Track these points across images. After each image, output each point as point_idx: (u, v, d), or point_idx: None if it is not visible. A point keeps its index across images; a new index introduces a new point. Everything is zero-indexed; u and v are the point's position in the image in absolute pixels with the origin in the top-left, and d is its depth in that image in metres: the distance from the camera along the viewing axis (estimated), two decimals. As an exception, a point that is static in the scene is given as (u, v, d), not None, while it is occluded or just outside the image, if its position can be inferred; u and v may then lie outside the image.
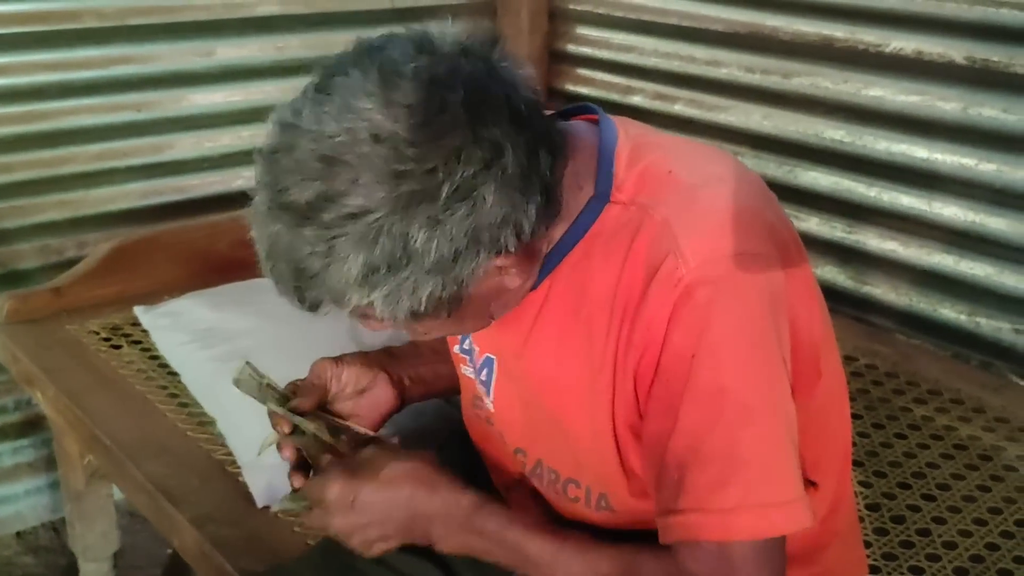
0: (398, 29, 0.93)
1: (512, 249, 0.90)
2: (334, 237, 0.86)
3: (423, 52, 0.88)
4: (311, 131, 0.86)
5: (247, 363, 1.17)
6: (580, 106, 1.07)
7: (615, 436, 1.00)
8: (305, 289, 0.90)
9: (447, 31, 0.91)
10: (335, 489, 1.04)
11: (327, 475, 1.06)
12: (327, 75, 0.89)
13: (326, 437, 1.13)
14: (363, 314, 0.93)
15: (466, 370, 1.18)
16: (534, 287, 1.00)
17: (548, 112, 1.02)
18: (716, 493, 0.91)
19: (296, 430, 1.14)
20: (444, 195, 0.85)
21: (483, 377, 1.13)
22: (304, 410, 1.14)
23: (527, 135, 0.89)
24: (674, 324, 0.91)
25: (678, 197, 0.95)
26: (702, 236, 0.92)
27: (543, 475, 1.13)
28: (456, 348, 1.18)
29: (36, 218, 2.20)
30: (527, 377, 1.07)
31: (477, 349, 1.13)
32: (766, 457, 0.92)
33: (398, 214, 0.85)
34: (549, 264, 0.99)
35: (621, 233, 0.95)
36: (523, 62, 0.95)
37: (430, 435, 1.44)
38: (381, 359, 1.24)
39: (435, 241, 0.86)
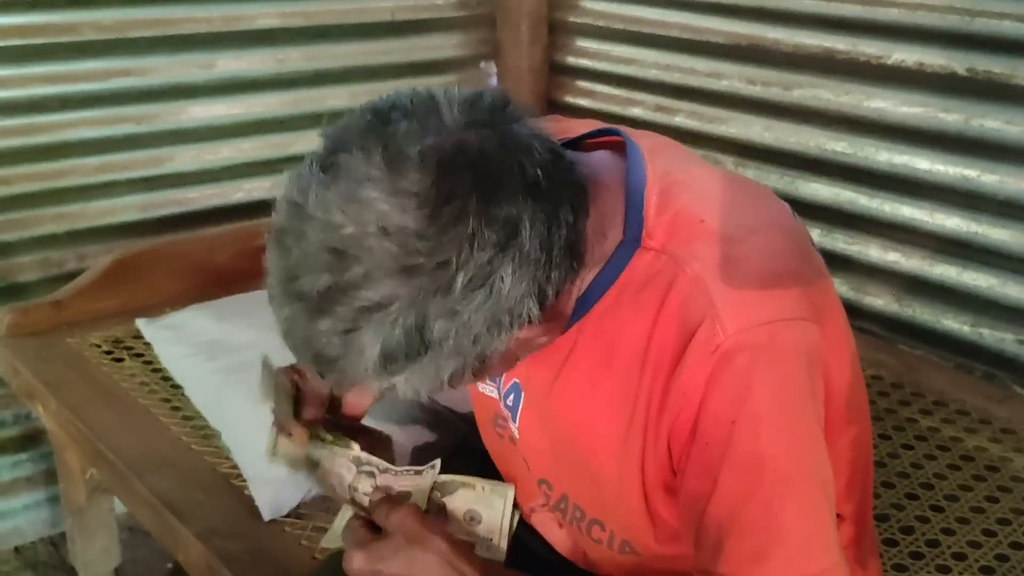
0: (403, 88, 0.89)
1: (534, 320, 0.88)
2: (349, 331, 0.84)
3: (428, 129, 0.84)
4: (318, 218, 0.83)
5: (265, 361, 1.13)
6: (603, 128, 1.05)
7: (643, 488, 0.99)
8: (325, 372, 0.89)
9: (453, 98, 0.87)
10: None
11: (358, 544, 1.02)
12: (332, 149, 0.85)
13: (348, 446, 1.11)
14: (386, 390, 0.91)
15: (485, 389, 1.16)
16: (564, 330, 0.98)
17: (568, 138, 0.99)
18: (756, 564, 0.90)
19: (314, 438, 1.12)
20: (460, 285, 0.82)
21: (509, 402, 1.11)
22: (318, 419, 1.13)
23: (544, 204, 0.86)
24: (712, 389, 0.90)
25: (712, 252, 0.92)
26: (739, 301, 0.90)
27: (568, 510, 1.11)
28: None
29: (36, 231, 2.19)
30: (555, 416, 1.05)
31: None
32: (805, 527, 0.91)
33: (414, 307, 0.83)
34: (580, 309, 0.97)
35: (653, 284, 0.93)
36: (535, 115, 0.92)
37: (436, 450, 1.43)
38: None
39: (453, 330, 0.84)
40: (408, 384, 0.88)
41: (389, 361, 0.85)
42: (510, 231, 0.84)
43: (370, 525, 1.03)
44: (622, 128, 1.04)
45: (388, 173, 0.82)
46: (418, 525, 0.99)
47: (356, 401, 1.18)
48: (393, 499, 1.04)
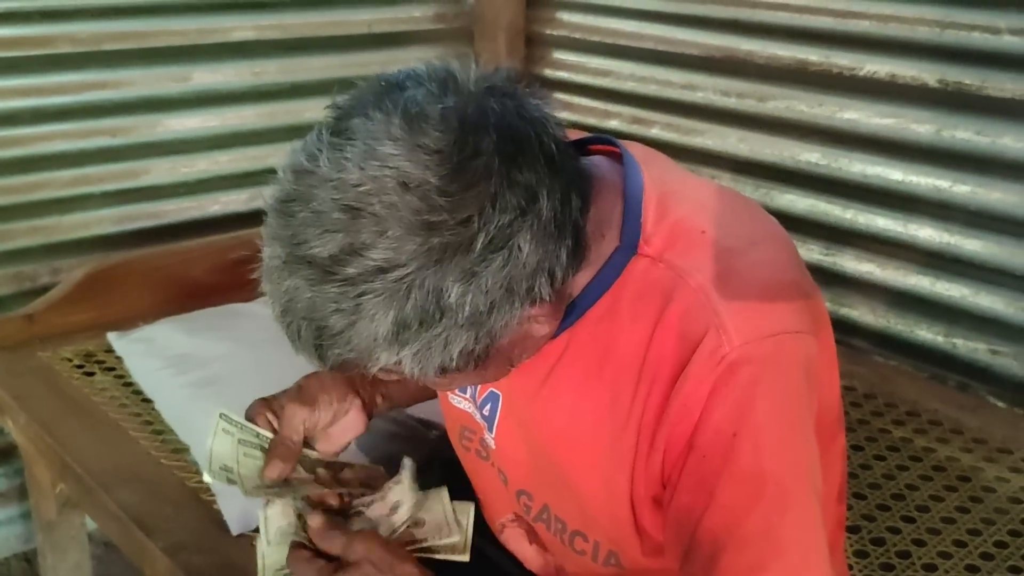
0: (418, 65, 0.88)
1: (547, 297, 0.86)
2: (361, 294, 0.80)
3: (448, 92, 0.83)
4: (332, 179, 0.80)
5: (221, 416, 1.08)
6: (595, 137, 1.03)
7: (631, 500, 0.97)
8: (328, 348, 0.84)
9: (470, 68, 0.86)
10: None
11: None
12: (343, 116, 0.83)
13: (313, 490, 1.08)
14: (387, 371, 0.87)
15: (456, 400, 1.14)
16: (555, 336, 0.96)
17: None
18: None
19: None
20: (479, 246, 0.80)
21: (485, 412, 1.09)
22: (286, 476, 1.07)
23: (560, 179, 0.85)
24: (714, 401, 0.88)
25: (715, 264, 0.91)
26: (745, 312, 0.89)
27: (550, 522, 1.09)
28: None
29: (9, 244, 2.17)
30: (536, 424, 1.02)
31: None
32: (803, 541, 0.90)
33: (431, 268, 0.80)
34: (572, 314, 0.94)
35: (650, 293, 0.91)
36: (548, 95, 0.91)
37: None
38: (355, 382, 1.16)
39: (470, 295, 0.81)
40: (416, 360, 0.84)
41: (402, 328, 0.82)
42: (529, 197, 0.82)
43: (318, 554, 0.98)
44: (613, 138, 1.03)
45: (408, 131, 0.80)
46: (385, 552, 0.96)
47: (339, 434, 1.14)
48: (341, 526, 0.99)
